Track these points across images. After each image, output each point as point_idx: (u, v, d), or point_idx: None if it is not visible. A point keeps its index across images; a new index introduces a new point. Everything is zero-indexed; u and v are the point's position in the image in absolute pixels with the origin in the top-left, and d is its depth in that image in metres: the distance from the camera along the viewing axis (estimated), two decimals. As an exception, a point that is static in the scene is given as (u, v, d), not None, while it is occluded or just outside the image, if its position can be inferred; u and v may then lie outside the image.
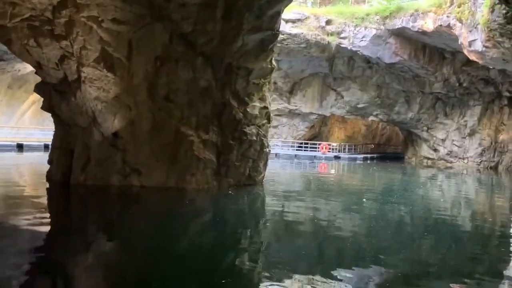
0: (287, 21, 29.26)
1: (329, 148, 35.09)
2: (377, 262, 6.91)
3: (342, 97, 33.90)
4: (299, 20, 29.37)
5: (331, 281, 6.03)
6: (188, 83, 12.21)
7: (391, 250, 7.85)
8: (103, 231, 8.53)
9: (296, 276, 6.21)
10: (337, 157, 34.30)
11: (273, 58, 14.23)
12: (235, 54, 12.68)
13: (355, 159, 35.11)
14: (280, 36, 28.69)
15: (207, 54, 12.32)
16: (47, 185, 12.88)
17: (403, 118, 34.01)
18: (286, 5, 13.64)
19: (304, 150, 34.90)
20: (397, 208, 12.43)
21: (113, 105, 11.92)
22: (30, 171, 17.68)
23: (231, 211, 11.09)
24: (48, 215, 10.05)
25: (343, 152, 35.87)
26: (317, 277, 6.20)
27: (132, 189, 12.20)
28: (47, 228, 8.61)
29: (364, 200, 13.74)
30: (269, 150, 14.80)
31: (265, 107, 14.16)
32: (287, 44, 29.16)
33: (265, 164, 14.59)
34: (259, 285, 6.03)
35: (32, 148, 25.11)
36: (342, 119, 41.88)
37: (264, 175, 14.75)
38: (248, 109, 13.45)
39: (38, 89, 13.03)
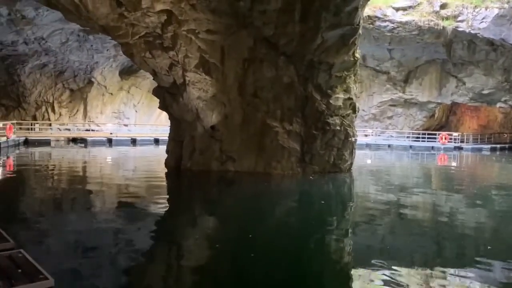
0: (397, 9, 28.77)
1: (449, 138, 33.16)
2: (505, 260, 6.12)
3: (464, 83, 31.79)
4: (410, 7, 28.58)
5: (446, 276, 5.32)
6: (272, 80, 13.71)
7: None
8: (206, 207, 10.22)
9: (403, 268, 5.53)
10: (458, 148, 32.31)
11: (356, 51, 14.77)
12: (316, 51, 13.72)
13: (480, 149, 32.62)
14: (390, 25, 28.75)
15: (288, 53, 13.64)
16: (166, 171, 15.68)
17: (538, 104, 30.53)
18: (367, 0, 14.13)
19: (422, 141, 33.61)
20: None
21: (211, 103, 14.05)
22: (158, 160, 21.12)
23: (314, 195, 11.88)
24: (166, 192, 12.51)
25: (466, 142, 33.54)
26: (429, 271, 5.48)
27: (228, 173, 14.22)
28: (165, 204, 10.65)
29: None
30: (355, 140, 15.43)
31: (350, 98, 14.85)
32: (398, 33, 28.72)
33: (351, 153, 15.29)
34: (356, 272, 5.58)
35: (166, 142, 29.31)
36: (474, 107, 38.89)
37: (351, 163, 15.47)
38: (331, 101, 14.36)
39: (155, 92, 15.88)
